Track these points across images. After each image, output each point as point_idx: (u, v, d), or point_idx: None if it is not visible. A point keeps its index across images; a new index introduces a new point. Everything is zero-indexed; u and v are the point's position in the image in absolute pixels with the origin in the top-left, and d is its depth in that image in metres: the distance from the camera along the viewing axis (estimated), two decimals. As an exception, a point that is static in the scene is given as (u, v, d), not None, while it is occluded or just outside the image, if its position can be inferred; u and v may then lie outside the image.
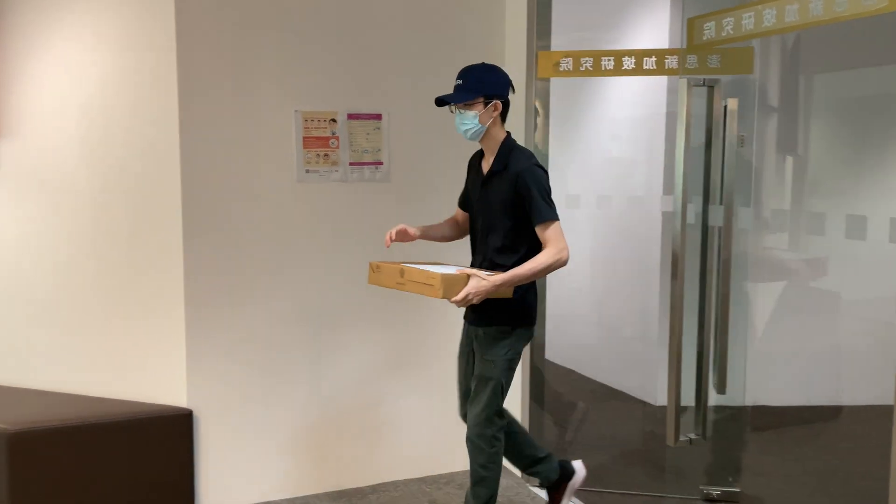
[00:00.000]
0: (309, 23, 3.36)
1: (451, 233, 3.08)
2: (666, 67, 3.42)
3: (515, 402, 3.73)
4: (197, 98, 3.19)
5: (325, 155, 3.45)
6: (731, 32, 3.03)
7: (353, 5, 3.42)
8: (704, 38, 3.19)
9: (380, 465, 3.63)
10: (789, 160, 4.71)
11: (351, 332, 3.53)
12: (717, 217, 3.36)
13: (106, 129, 3.32)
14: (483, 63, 2.82)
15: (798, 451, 3.99)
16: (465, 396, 2.98)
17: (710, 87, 3.29)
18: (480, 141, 2.84)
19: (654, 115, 4.88)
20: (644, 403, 4.94)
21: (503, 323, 2.79)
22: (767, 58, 4.68)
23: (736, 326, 3.42)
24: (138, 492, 3.21)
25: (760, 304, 4.44)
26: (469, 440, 2.85)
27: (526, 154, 2.80)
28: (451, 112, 2.80)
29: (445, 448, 3.72)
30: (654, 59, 3.42)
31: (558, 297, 4.06)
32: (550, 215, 2.69)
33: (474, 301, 2.61)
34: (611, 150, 5.41)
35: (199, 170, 3.22)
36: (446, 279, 2.58)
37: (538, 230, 2.69)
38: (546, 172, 2.78)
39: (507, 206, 2.74)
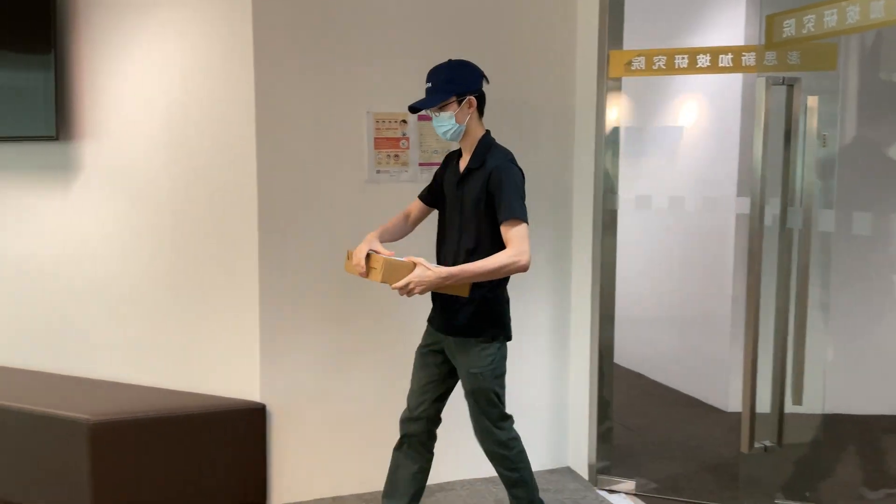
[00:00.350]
0: (381, 25, 3.39)
1: (400, 233, 2.94)
2: (743, 65, 3.33)
3: (583, 408, 3.69)
4: (273, 100, 3.26)
5: (396, 155, 3.48)
6: (813, 30, 2.94)
7: (424, 7, 3.44)
8: (784, 35, 3.10)
9: (448, 464, 3.63)
10: (873, 160, 4.55)
11: (421, 331, 3.54)
12: (795, 219, 3.26)
13: (185, 129, 3.42)
14: (449, 60, 2.72)
15: (882, 463, 3.84)
16: (415, 398, 2.86)
17: (790, 85, 3.20)
18: (460, 140, 2.73)
19: (727, 113, 4.78)
20: (715, 409, 4.84)
21: (480, 334, 2.69)
22: (849, 54, 4.53)
23: (815, 332, 3.31)
24: (212, 483, 3.29)
25: (841, 310, 4.29)
26: (486, 452, 2.82)
27: (503, 152, 2.70)
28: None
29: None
30: (730, 56, 3.33)
31: (627, 300, 4.01)
32: (517, 214, 2.55)
33: (416, 291, 2.51)
34: (683, 150, 5.31)
35: (275, 170, 3.29)
36: (388, 264, 2.52)
37: (503, 229, 2.56)
38: (522, 173, 2.67)
39: (479, 204, 2.63)
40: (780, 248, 3.30)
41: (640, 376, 5.61)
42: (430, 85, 2.68)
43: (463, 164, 2.75)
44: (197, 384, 3.49)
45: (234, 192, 3.33)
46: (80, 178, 3.64)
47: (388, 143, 3.46)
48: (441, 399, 2.87)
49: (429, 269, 2.50)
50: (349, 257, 2.76)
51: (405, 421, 2.89)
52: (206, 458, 3.27)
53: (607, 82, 3.52)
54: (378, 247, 2.71)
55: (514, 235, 2.53)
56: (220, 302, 3.41)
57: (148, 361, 3.59)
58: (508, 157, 2.67)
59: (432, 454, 2.92)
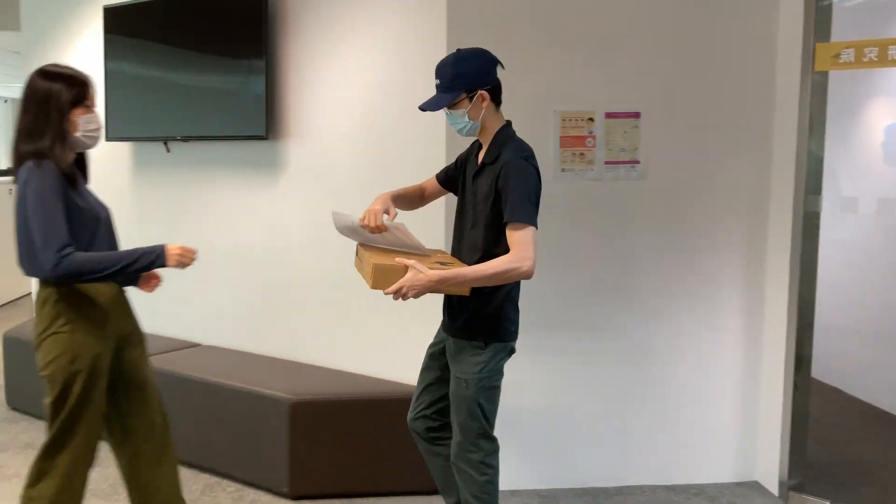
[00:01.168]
0: (569, 23, 3.39)
1: (413, 205, 2.79)
2: (972, 55, 3.02)
3: (775, 420, 3.50)
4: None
5: (581, 154, 3.46)
6: None
7: (612, 3, 3.40)
8: None
9: (628, 468, 3.58)
10: None
11: (611, 331, 3.52)
12: None
13: (379, 129, 3.60)
14: (454, 53, 2.50)
15: None
16: (415, 397, 2.76)
17: None
18: (479, 135, 2.57)
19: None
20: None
21: (475, 337, 2.51)
22: None
23: None
24: (399, 466, 3.44)
25: None
26: (454, 465, 2.59)
27: (519, 146, 2.48)
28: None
29: (697, 458, 3.60)
30: (956, 46, 3.04)
31: (829, 309, 3.75)
32: (524, 216, 2.36)
33: (409, 295, 2.32)
34: (893, 150, 4.88)
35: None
36: (378, 269, 2.33)
37: (507, 231, 2.38)
38: (538, 171, 2.46)
39: (487, 200, 2.46)
40: None
41: (836, 391, 5.22)
42: (438, 82, 2.49)
43: (481, 157, 2.58)
44: (387, 371, 3.66)
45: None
46: (286, 175, 3.93)
47: (573, 142, 3.46)
48: (440, 401, 2.71)
49: (421, 273, 2.31)
50: (356, 252, 2.64)
51: (411, 420, 2.80)
52: (394, 441, 3.42)
53: (812, 76, 3.31)
54: (390, 207, 2.57)
55: (518, 240, 2.35)
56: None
57: (343, 347, 3.81)
58: (524, 154, 2.45)
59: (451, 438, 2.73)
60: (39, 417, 4.48)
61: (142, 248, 2.38)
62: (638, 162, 3.47)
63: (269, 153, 3.97)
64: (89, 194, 2.53)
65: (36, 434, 4.25)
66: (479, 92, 2.46)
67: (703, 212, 3.52)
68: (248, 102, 3.87)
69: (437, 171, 2.85)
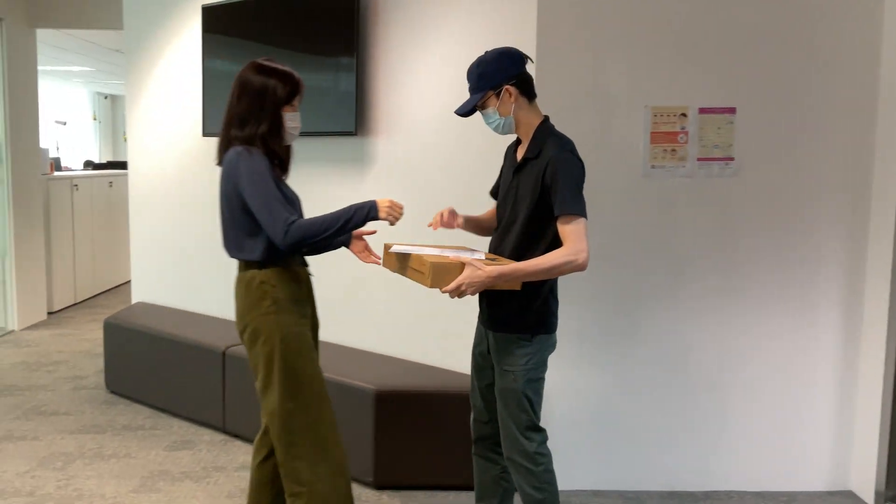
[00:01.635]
0: (660, 15, 3.33)
1: (482, 229, 2.82)
2: None
3: (872, 428, 3.36)
4: (553, 93, 3.33)
5: (673, 150, 3.40)
6: None
7: (710, -4, 3.33)
8: None
9: (715, 473, 3.50)
10: None
11: (699, 332, 3.45)
12: None
13: (465, 125, 3.61)
14: (479, 57, 2.55)
15: None
16: (478, 410, 2.74)
17: None
18: (516, 130, 2.57)
19: None
20: None
21: (521, 330, 2.50)
22: None
23: None
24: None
25: None
26: (508, 460, 2.58)
27: (561, 140, 2.48)
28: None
29: (788, 465, 3.49)
30: None
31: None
32: (575, 209, 2.36)
33: (468, 293, 2.33)
34: None
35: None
36: (436, 267, 2.32)
37: (559, 224, 2.39)
38: (582, 164, 2.46)
39: (533, 196, 2.45)
40: None
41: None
42: (469, 86, 2.57)
43: (521, 153, 2.58)
44: (466, 365, 3.67)
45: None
46: (374, 170, 3.99)
47: (665, 138, 3.39)
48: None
49: (478, 269, 2.33)
50: (385, 251, 2.67)
51: (474, 423, 2.78)
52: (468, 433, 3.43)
53: (921, 70, 3.16)
54: (457, 213, 2.67)
55: (571, 232, 2.36)
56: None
57: (424, 341, 3.85)
58: (567, 147, 2.46)
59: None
60: (137, 401, 4.69)
61: (354, 205, 2.50)
62: (732, 159, 3.38)
63: (357, 149, 4.04)
64: (286, 185, 2.63)
65: (133, 416, 4.45)
66: (505, 87, 2.49)
67: (800, 211, 3.41)
68: (339, 99, 3.94)
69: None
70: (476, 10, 3.56)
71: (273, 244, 2.48)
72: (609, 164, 3.38)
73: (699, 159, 3.39)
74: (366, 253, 2.84)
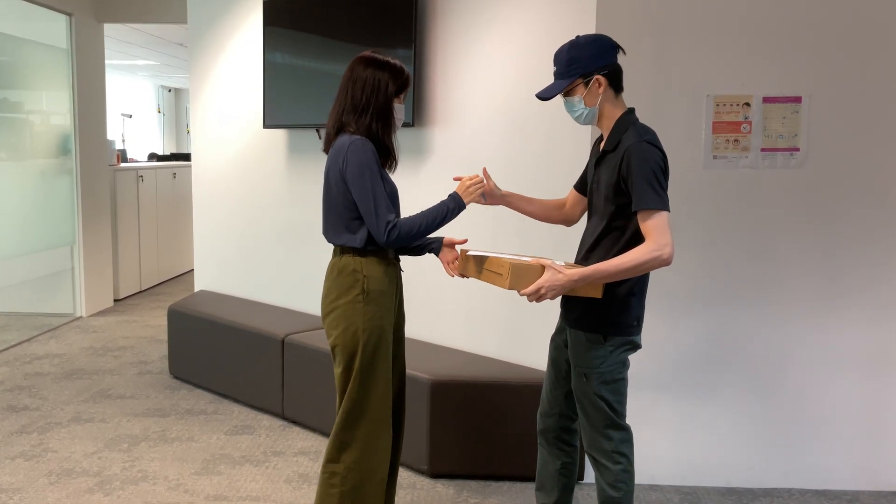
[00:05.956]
0: (723, 4, 3.26)
1: (545, 213, 2.74)
2: None
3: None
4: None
5: (736, 140, 3.33)
6: None
7: (777, -18, 3.24)
8: None
9: (776, 470, 3.43)
10: None
11: (764, 331, 3.38)
12: None
13: (523, 116, 3.59)
14: (577, 37, 2.43)
15: None
16: (543, 403, 2.67)
17: None
18: (598, 123, 2.46)
19: None
20: None
21: (594, 330, 2.40)
22: None
23: None
24: (534, 448, 3.44)
25: None
26: (588, 454, 2.51)
27: (641, 130, 2.34)
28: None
29: (852, 464, 3.40)
30: None
31: None
32: (654, 203, 2.24)
33: (548, 297, 2.27)
34: None
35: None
36: (516, 269, 2.29)
37: (639, 219, 2.28)
38: (662, 153, 2.32)
39: (610, 189, 2.35)
40: None
41: None
42: (556, 69, 2.44)
43: (602, 145, 2.48)
44: (521, 356, 3.67)
45: (565, 176, 3.43)
46: (431, 161, 4.01)
47: (727, 128, 3.33)
48: (573, 395, 2.58)
49: (559, 273, 2.26)
50: (462, 257, 2.69)
51: (539, 414, 2.71)
52: (530, 427, 3.42)
53: None
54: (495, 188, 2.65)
55: (653, 227, 2.25)
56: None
57: (480, 332, 3.86)
58: (646, 137, 2.32)
59: (575, 447, 2.69)
60: (199, 386, 4.81)
61: (441, 202, 2.58)
62: (798, 149, 3.30)
63: (415, 139, 4.06)
64: (389, 178, 2.68)
65: (195, 401, 4.56)
66: (596, 77, 2.38)
67: (867, 206, 3.30)
68: (397, 90, 3.96)
69: (584, 157, 2.81)
70: (536, 6, 3.54)
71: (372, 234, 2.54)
72: (670, 155, 3.30)
73: (763, 149, 3.31)
74: (454, 264, 2.79)
